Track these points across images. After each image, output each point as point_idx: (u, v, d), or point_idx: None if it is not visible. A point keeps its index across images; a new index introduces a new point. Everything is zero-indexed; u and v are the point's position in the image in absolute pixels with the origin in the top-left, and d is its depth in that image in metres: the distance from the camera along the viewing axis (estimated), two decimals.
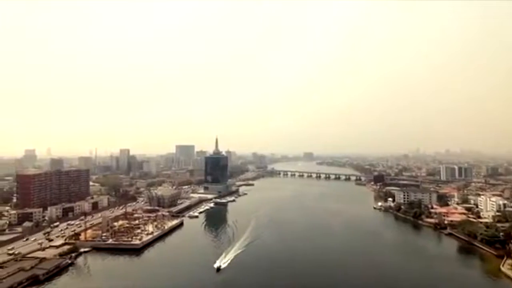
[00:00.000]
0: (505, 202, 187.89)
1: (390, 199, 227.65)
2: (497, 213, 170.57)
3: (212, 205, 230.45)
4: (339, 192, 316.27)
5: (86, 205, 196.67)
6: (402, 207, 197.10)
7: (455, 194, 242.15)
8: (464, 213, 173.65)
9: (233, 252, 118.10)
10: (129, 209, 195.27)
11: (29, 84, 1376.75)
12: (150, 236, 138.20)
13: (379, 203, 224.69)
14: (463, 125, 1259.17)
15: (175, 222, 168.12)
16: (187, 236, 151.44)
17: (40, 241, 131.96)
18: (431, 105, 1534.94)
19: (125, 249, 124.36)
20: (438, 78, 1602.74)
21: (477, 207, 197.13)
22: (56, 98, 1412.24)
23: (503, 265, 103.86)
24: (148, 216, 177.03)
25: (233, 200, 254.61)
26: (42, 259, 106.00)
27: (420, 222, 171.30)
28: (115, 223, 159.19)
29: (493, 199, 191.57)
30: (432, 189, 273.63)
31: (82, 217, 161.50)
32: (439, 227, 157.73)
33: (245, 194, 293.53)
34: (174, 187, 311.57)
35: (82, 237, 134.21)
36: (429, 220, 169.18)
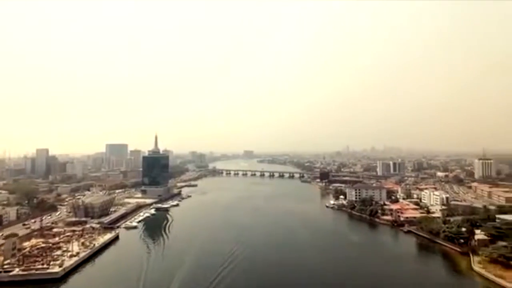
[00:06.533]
0: (447, 195, 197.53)
1: (341, 196, 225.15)
2: (443, 207, 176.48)
3: (153, 211, 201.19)
4: (287, 191, 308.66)
5: None
6: (356, 204, 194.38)
7: (398, 189, 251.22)
8: (416, 209, 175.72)
9: (187, 271, 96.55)
10: (46, 223, 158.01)
11: None
12: (75, 259, 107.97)
13: (331, 201, 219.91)
14: (386, 122, 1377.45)
15: (108, 236, 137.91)
16: (124, 254, 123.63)
17: None
18: (360, 105, 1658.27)
19: (38, 281, 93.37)
20: (366, 79, 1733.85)
21: (420, 201, 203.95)
22: None
23: (473, 263, 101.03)
24: (73, 231, 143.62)
25: (177, 205, 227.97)
26: None
27: (376, 220, 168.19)
28: (26, 243, 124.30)
29: (437, 193, 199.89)
30: (374, 184, 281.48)
31: None
32: (396, 225, 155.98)
33: (189, 196, 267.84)
34: (105, 191, 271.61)
35: None
36: (385, 217, 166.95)
